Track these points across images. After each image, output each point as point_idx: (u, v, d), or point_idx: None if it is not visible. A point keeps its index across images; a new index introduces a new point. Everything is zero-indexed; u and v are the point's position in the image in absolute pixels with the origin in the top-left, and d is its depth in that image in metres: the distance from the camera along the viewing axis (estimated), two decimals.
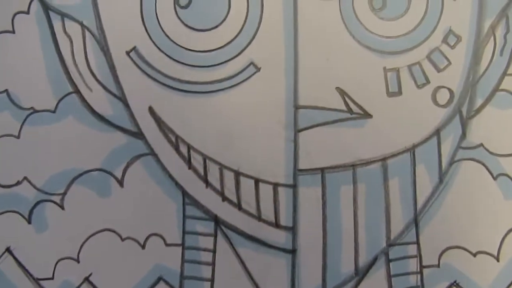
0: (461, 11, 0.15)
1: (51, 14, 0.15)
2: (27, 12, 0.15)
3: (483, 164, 0.15)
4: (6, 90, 0.14)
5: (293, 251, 0.15)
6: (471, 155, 0.15)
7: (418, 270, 0.15)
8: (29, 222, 0.14)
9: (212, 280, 0.15)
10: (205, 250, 0.15)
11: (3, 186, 0.14)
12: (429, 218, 0.15)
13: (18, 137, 0.14)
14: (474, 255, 0.15)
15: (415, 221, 0.15)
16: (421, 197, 0.15)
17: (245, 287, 0.15)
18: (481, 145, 0.15)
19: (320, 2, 0.15)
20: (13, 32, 0.15)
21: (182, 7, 0.15)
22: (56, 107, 0.15)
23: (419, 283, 0.15)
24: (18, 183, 0.14)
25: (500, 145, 0.15)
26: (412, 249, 0.15)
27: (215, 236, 0.15)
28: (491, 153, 0.15)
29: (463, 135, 0.15)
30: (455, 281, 0.15)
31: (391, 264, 0.15)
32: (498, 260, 0.15)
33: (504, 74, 0.15)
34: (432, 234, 0.15)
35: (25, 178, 0.14)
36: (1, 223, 0.15)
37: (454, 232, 0.15)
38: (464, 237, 0.15)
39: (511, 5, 0.15)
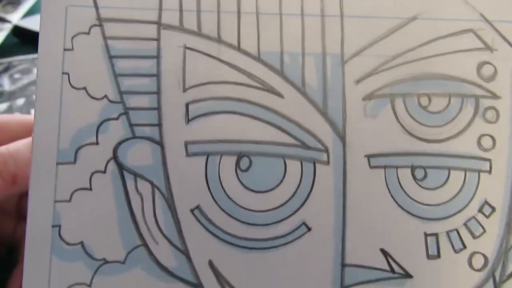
0: (496, 184, 0.16)
1: (125, 173, 0.16)
2: (104, 172, 0.16)
3: None
4: (81, 242, 0.16)
5: None
6: None
7: None
8: None
9: None
10: None
11: None
12: None
13: (89, 285, 0.16)
14: None
15: None
16: None
17: None
18: None
19: (367, 171, 0.16)
20: (90, 189, 0.16)
21: (242, 171, 0.16)
22: (125, 259, 0.16)
23: None
24: None
25: None
26: None
27: None
28: None
29: None
30: None
31: None
32: None
33: None
34: None
35: None
36: None
37: None
38: None
39: None
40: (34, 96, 0.47)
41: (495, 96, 0.16)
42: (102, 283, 0.16)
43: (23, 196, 0.24)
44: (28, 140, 0.22)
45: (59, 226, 0.16)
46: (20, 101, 0.51)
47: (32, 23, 0.71)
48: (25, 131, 0.25)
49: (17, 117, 0.29)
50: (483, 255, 0.16)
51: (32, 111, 0.46)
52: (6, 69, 0.58)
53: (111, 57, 0.16)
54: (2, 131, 0.25)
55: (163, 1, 0.16)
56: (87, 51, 0.16)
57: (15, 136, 0.24)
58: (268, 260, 0.16)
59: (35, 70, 0.53)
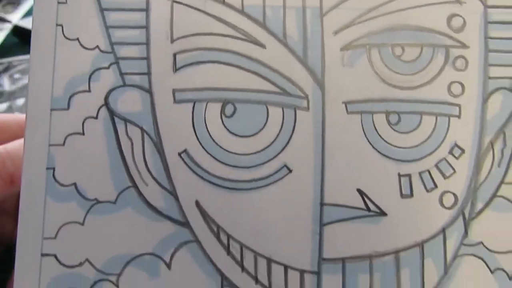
0: (465, 128, 0.17)
1: (116, 119, 0.17)
2: (96, 117, 0.17)
3: (482, 260, 0.17)
4: (74, 183, 0.17)
5: None
6: (472, 251, 0.17)
7: None
8: None
9: None
10: None
11: (68, 267, 0.16)
12: None
13: (82, 224, 0.17)
14: None
15: None
16: (431, 282, 0.17)
17: None
18: (481, 243, 0.17)
19: (344, 117, 0.17)
20: (83, 134, 0.17)
21: (227, 117, 0.17)
22: (116, 199, 0.17)
23: None
24: (80, 264, 0.16)
25: (497, 244, 0.17)
26: None
27: None
28: (489, 250, 0.17)
29: (465, 233, 0.17)
30: None
31: None
32: None
33: (501, 183, 0.17)
34: None
35: (86, 260, 0.16)
36: None
37: None
38: None
39: (508, 124, 0.17)
40: None
41: (464, 45, 0.17)
42: (94, 222, 0.17)
43: None
44: None
45: (53, 169, 0.17)
46: (20, 101, 0.50)
47: None
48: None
49: (17, 116, 0.28)
50: (453, 194, 0.17)
51: None
52: (6, 69, 0.57)
53: (102, 10, 0.17)
54: (1, 131, 0.25)
55: None
56: (79, 4, 0.17)
57: (15, 136, 0.24)
58: (251, 200, 0.17)
59: None
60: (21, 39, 0.69)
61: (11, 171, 0.22)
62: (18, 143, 0.23)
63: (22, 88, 0.54)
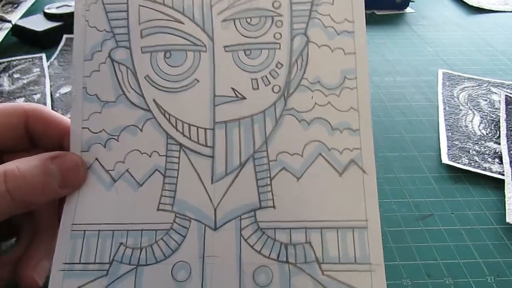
0: (282, 54, 0.33)
1: (114, 63, 0.34)
2: (105, 63, 0.34)
3: (293, 116, 0.32)
4: (95, 94, 0.33)
5: (213, 157, 0.32)
6: (288, 112, 0.32)
7: (267, 162, 0.32)
8: None
9: (178, 169, 0.32)
10: (174, 157, 0.32)
11: (94, 133, 0.33)
12: (272, 139, 0.32)
13: (100, 112, 0.33)
14: (292, 155, 0.32)
15: (265, 140, 0.32)
16: (269, 130, 0.32)
17: (192, 174, 0.32)
18: (293, 108, 0.32)
19: (224, 53, 0.33)
20: (99, 71, 0.34)
21: (167, 58, 0.34)
22: (115, 100, 0.33)
23: (267, 168, 0.32)
24: (99, 132, 0.33)
25: (299, 107, 0.32)
26: (264, 153, 0.32)
27: (179, 151, 0.32)
28: (297, 111, 0.32)
29: (285, 105, 0.33)
30: (283, 167, 0.32)
31: (255, 160, 0.32)
32: (302, 156, 0.32)
33: (302, 78, 0.33)
34: (273, 145, 0.32)
35: (103, 129, 0.33)
36: None
37: (283, 143, 0.32)
38: (287, 144, 0.32)
39: (303, 51, 0.33)
40: (33, 96, 0.52)
41: (280, 15, 0.34)
42: (106, 111, 0.33)
43: None
44: (36, 163, 0.27)
45: (85, 88, 0.34)
46: (20, 101, 0.50)
47: (32, 23, 0.71)
48: (5, 117, 0.30)
49: (8, 106, 0.31)
50: (279, 86, 0.33)
51: None
52: (6, 68, 0.57)
53: (106, 12, 0.35)
54: None
55: None
56: (96, 10, 0.35)
57: (12, 126, 0.30)
58: (180, 96, 0.33)
59: (34, 70, 0.58)
60: (20, 38, 0.70)
61: (25, 198, 0.26)
62: (33, 166, 0.27)
63: (22, 88, 0.53)
